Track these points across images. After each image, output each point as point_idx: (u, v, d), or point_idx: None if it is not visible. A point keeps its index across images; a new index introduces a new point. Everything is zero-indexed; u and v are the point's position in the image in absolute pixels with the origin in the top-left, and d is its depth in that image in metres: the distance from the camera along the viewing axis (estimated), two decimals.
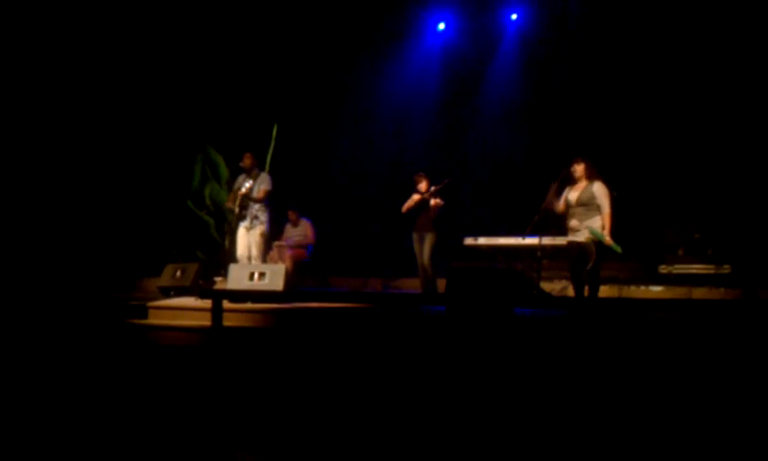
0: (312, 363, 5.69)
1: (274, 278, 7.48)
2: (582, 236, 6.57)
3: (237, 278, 7.64)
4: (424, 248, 8.11)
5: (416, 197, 8.22)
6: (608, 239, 6.47)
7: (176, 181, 10.89)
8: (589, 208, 6.58)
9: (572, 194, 6.72)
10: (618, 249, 6.49)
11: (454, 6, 11.49)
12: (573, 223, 6.67)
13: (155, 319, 7.59)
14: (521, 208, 8.28)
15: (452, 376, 5.01)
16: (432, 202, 8.06)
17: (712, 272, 8.41)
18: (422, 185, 8.25)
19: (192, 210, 10.61)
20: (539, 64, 10.73)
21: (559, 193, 6.85)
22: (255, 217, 8.20)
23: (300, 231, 9.54)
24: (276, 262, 8.77)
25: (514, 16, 11.18)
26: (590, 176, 6.70)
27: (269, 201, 8.32)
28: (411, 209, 8.23)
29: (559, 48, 10.45)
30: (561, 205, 6.84)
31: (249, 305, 7.42)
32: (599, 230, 6.50)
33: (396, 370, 5.27)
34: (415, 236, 8.22)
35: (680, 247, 8.74)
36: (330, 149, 11.72)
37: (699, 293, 8.05)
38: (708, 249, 8.56)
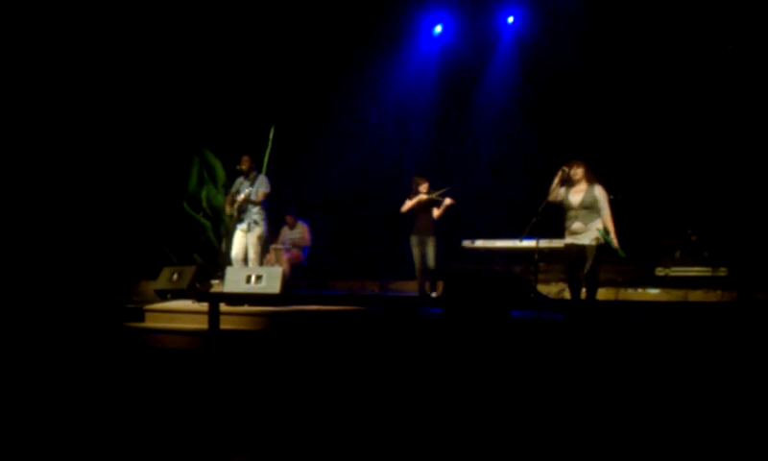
0: (309, 366, 5.68)
1: (270, 281, 7.47)
2: (587, 238, 6.57)
3: (234, 281, 7.63)
4: (428, 251, 8.02)
5: (423, 196, 8.13)
6: (616, 242, 6.50)
7: (172, 183, 10.86)
8: (592, 211, 6.60)
9: (574, 197, 6.70)
10: (623, 253, 6.51)
11: (451, 9, 11.50)
12: (577, 225, 6.65)
13: (151, 322, 7.58)
14: (519, 211, 8.28)
15: (449, 379, 5.00)
16: (447, 201, 7.99)
17: (709, 274, 8.42)
18: (423, 187, 8.18)
19: (189, 213, 10.59)
20: (535, 67, 10.73)
21: (561, 185, 6.83)
22: (254, 221, 8.18)
23: (296, 234, 9.53)
24: (272, 265, 8.76)
25: (510, 19, 11.18)
26: (590, 179, 6.71)
27: (266, 203, 8.31)
28: (411, 211, 8.19)
29: (555, 51, 10.44)
30: (560, 195, 6.81)
31: (246, 308, 7.43)
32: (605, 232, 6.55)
33: (392, 372, 5.27)
34: (414, 239, 8.14)
35: (677, 249, 8.74)
36: (327, 151, 11.70)
37: (696, 295, 8.06)
38: (705, 251, 8.57)
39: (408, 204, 8.17)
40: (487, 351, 5.49)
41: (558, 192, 6.80)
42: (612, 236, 6.51)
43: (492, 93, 11.25)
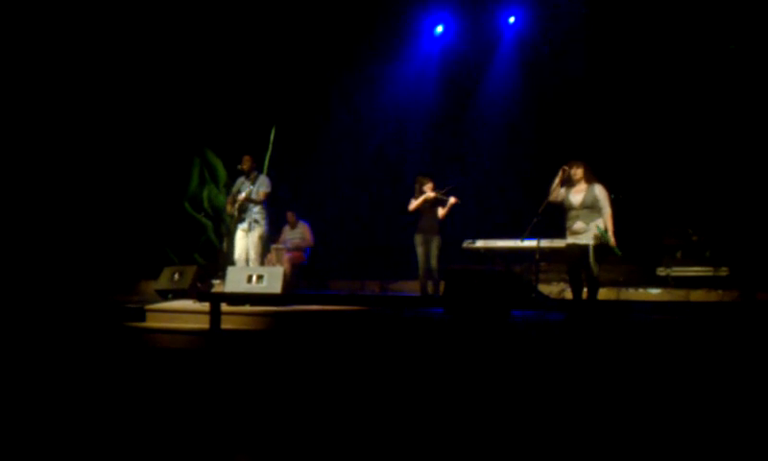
0: (310, 366, 5.69)
1: (272, 280, 7.47)
2: (587, 237, 6.56)
3: (235, 280, 7.63)
4: (432, 251, 8.01)
5: (430, 194, 8.11)
6: (613, 240, 6.50)
7: (174, 183, 10.87)
8: (593, 210, 6.60)
9: (575, 197, 6.70)
10: (618, 252, 6.52)
11: (452, 9, 11.50)
12: (578, 225, 6.64)
13: (153, 322, 7.58)
14: (519, 211, 8.27)
15: (450, 379, 5.01)
16: (452, 199, 8.00)
17: (710, 274, 8.42)
18: (428, 186, 8.15)
19: (190, 213, 10.60)
20: (536, 67, 10.74)
21: (562, 185, 6.84)
22: (254, 220, 8.18)
23: (298, 234, 9.54)
24: (274, 265, 8.76)
25: (511, 19, 11.18)
26: (589, 178, 6.72)
27: (267, 203, 8.32)
28: (417, 209, 8.17)
29: (556, 51, 10.45)
30: (560, 195, 6.82)
31: (247, 308, 7.42)
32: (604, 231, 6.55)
33: (393, 373, 5.27)
34: (419, 238, 8.10)
35: (678, 249, 8.74)
36: (328, 152, 11.72)
37: (697, 295, 8.06)
38: (706, 251, 8.57)
39: (415, 202, 8.15)
40: (488, 350, 5.49)
41: (558, 192, 6.81)
42: (610, 234, 6.52)
43: (492, 93, 11.25)
